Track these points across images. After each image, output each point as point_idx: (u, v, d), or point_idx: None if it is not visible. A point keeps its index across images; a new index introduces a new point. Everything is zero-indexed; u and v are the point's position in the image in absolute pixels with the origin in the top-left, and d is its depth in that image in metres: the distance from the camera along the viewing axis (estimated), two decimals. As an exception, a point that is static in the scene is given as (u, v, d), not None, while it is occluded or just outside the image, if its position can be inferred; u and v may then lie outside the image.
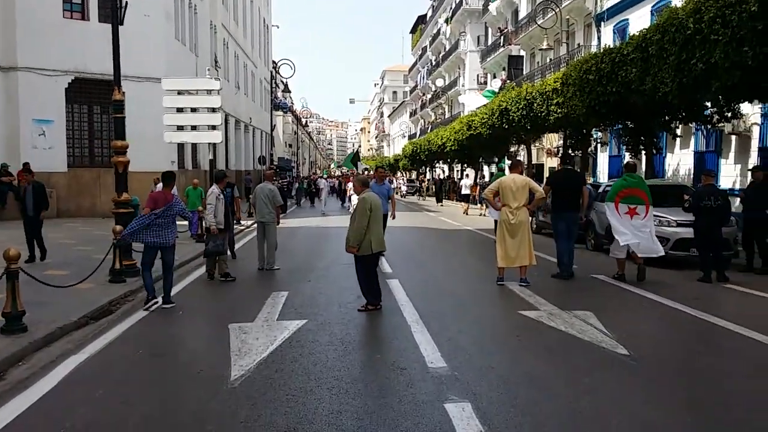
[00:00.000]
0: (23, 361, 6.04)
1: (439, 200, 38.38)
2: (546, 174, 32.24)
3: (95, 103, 21.25)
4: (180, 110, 15.13)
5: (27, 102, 19.83)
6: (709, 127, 16.24)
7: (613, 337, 6.48)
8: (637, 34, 14.59)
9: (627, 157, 22.56)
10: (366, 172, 33.51)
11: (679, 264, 11.81)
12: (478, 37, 51.34)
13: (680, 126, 17.15)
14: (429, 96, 67.53)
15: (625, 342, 6.27)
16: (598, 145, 26.07)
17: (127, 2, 10.62)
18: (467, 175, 39.30)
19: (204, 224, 10.70)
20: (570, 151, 24.08)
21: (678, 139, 19.27)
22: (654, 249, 10.23)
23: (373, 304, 7.98)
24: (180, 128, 15.35)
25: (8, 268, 6.75)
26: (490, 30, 47.49)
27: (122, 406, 4.83)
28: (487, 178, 34.64)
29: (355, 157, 34.17)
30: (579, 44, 29.37)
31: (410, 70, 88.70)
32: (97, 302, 8.34)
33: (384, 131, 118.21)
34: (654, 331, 7.21)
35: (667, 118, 15.87)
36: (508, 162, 38.52)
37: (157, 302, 8.38)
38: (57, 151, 20.44)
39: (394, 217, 13.07)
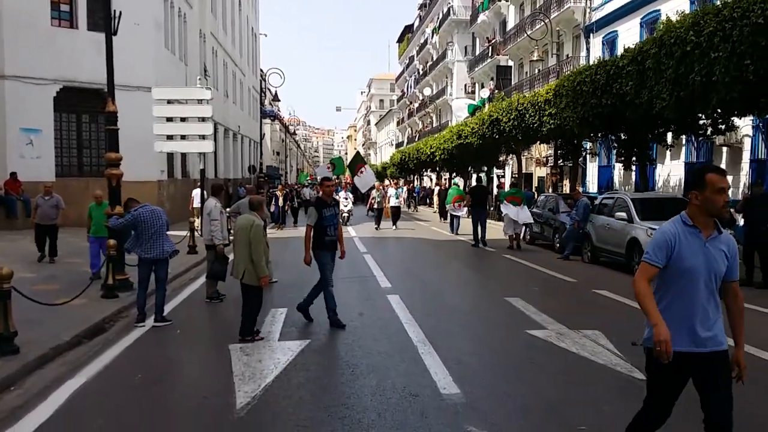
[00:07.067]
0: (16, 385, 5.79)
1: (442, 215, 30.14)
2: (535, 183, 32.64)
3: (84, 112, 20.88)
4: (170, 119, 14.90)
5: (14, 111, 19.41)
6: (701, 138, 16.27)
7: (627, 360, 6.33)
8: (633, 46, 14.58)
9: (617, 168, 22.84)
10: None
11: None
12: (466, 47, 51.39)
13: (673, 138, 17.19)
14: (416, 105, 67.54)
15: (639, 365, 6.12)
16: (588, 155, 26.12)
17: (120, 12, 10.40)
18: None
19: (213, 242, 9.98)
20: (560, 161, 24.23)
21: (669, 151, 19.31)
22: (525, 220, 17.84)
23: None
24: (170, 138, 15.13)
25: (0, 287, 6.49)
26: (478, 40, 47.59)
27: (125, 439, 4.61)
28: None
29: (356, 159, 23.47)
30: (568, 55, 29.46)
31: (397, 78, 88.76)
32: (91, 320, 8.08)
33: (371, 139, 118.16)
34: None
35: (661, 130, 15.89)
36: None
37: (144, 326, 8.10)
38: (45, 160, 20.05)
39: None
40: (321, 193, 8.69)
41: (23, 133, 19.63)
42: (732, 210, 12.92)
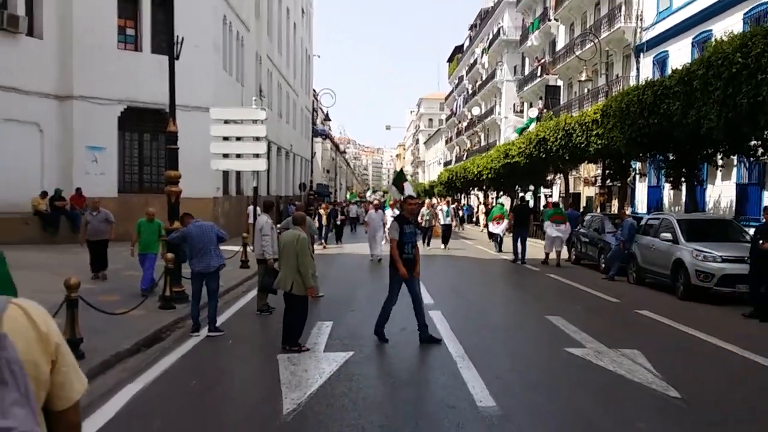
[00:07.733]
0: (81, 388, 6.22)
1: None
2: (583, 203, 32.32)
3: (145, 131, 21.91)
4: (226, 139, 15.54)
5: (81, 129, 20.48)
6: (752, 159, 16.02)
7: (663, 378, 6.41)
8: (681, 67, 14.55)
9: (666, 188, 22.51)
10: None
11: (725, 300, 11.61)
12: (515, 67, 51.52)
13: (722, 158, 16.97)
14: (465, 124, 67.70)
15: (676, 384, 6.21)
16: (637, 175, 25.84)
17: (183, 38, 11.02)
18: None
19: (265, 257, 10.31)
20: (608, 181, 24.07)
21: (719, 171, 19.00)
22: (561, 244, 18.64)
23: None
24: (225, 156, 15.79)
25: (69, 296, 7.01)
26: (527, 60, 47.65)
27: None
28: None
29: (399, 177, 20.46)
30: (618, 75, 29.28)
31: (446, 98, 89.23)
32: (149, 329, 8.55)
33: (419, 158, 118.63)
34: (703, 372, 7.12)
35: (710, 150, 15.74)
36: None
37: (198, 336, 8.54)
38: (108, 177, 21.06)
39: None
40: (404, 210, 8.97)
41: (89, 150, 20.68)
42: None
